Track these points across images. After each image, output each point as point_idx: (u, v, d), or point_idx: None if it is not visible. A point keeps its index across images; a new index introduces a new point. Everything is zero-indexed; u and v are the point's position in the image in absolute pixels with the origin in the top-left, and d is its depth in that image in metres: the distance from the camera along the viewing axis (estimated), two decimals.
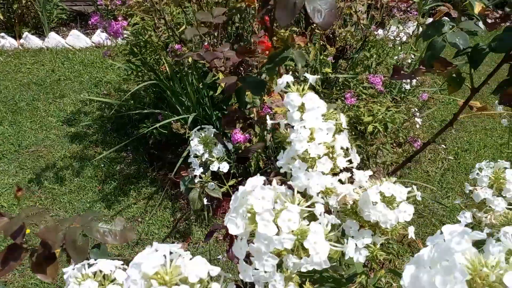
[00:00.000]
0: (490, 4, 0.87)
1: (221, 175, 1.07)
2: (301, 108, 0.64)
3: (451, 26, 0.84)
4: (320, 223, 0.48)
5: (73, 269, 0.61)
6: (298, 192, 0.58)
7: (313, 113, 0.62)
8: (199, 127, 1.05)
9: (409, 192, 0.62)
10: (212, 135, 1.04)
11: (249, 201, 0.45)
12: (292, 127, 0.66)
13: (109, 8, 2.22)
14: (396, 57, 2.31)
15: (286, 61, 0.86)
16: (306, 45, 1.81)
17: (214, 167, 1.00)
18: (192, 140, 1.03)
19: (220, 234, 2.29)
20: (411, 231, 0.63)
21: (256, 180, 0.46)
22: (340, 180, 0.65)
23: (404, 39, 2.23)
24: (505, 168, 0.83)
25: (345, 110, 2.17)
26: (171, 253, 0.45)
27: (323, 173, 0.60)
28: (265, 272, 0.47)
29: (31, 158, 2.77)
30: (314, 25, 2.17)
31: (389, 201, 0.60)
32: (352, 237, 0.61)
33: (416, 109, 2.33)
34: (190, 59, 1.90)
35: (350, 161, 0.67)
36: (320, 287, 0.64)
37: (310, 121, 0.60)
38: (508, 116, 1.29)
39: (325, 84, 2.52)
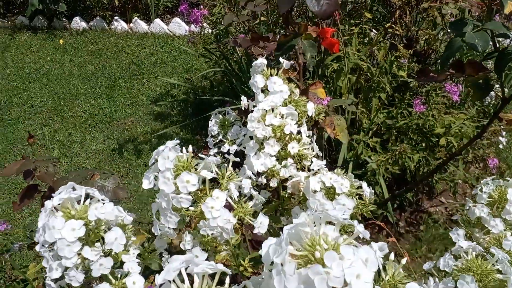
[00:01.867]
0: None
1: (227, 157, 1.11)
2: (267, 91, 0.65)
3: (474, 26, 0.78)
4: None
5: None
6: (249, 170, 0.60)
7: (274, 96, 0.63)
8: (219, 109, 1.10)
9: (357, 188, 0.60)
10: (231, 119, 1.09)
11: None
12: None
13: None
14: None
15: (293, 49, 0.87)
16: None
17: (224, 148, 1.05)
18: (211, 120, 1.08)
19: None
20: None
21: (168, 143, 0.50)
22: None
23: None
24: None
25: (414, 118, 2.06)
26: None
27: (271, 156, 0.61)
28: (169, 228, 0.50)
29: (118, 130, 3.09)
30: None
31: (330, 192, 0.59)
32: None
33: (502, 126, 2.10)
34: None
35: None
36: None
37: (264, 103, 0.62)
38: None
39: (403, 88, 2.40)
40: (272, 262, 0.33)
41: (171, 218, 0.49)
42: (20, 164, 0.83)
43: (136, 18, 4.26)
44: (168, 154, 0.48)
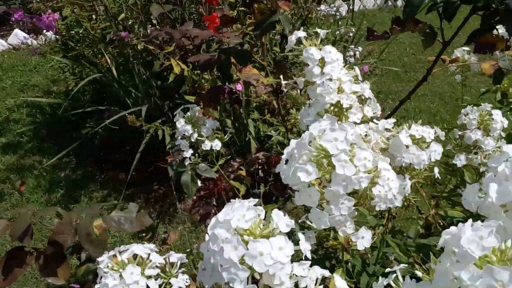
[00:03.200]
0: None
1: (211, 155, 1.04)
2: (321, 63, 0.63)
3: None
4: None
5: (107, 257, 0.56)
6: None
7: (336, 65, 0.61)
8: (182, 107, 1.00)
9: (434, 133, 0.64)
10: (197, 114, 1.00)
11: (321, 144, 0.44)
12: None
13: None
14: (338, 32, 2.38)
15: (274, 26, 0.85)
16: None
17: (206, 146, 0.96)
18: (178, 121, 0.98)
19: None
20: (436, 171, 0.65)
21: (324, 124, 0.45)
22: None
23: (344, 13, 2.31)
24: (488, 110, 0.89)
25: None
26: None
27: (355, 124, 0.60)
28: (341, 215, 0.46)
29: None
30: None
31: (417, 143, 0.61)
32: None
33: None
34: (139, 46, 1.80)
35: None
36: None
37: (336, 72, 0.60)
38: (461, 72, 1.39)
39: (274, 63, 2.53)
40: None
41: (344, 203, 0.45)
42: (5, 225, 0.62)
43: None
44: (334, 135, 0.43)
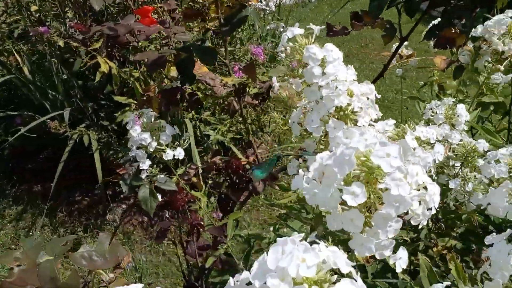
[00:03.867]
0: None
1: (169, 165, 0.93)
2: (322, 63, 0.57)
3: None
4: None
5: None
6: None
7: (337, 64, 0.56)
8: (136, 112, 0.88)
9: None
10: (153, 119, 0.89)
11: (366, 161, 0.38)
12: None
13: None
14: (268, 27, 2.35)
15: (244, 21, 0.77)
16: None
17: (168, 155, 0.85)
18: (132, 129, 0.85)
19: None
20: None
21: (369, 137, 0.39)
22: None
23: (273, 8, 2.29)
24: (451, 104, 0.91)
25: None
26: None
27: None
28: (387, 239, 0.40)
29: None
30: None
31: (419, 144, 0.59)
32: None
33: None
34: (61, 43, 1.59)
35: None
36: None
37: (342, 72, 0.54)
38: (401, 66, 1.44)
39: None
40: None
41: (392, 226, 0.39)
42: None
43: None
44: (387, 150, 0.37)
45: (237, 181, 1.10)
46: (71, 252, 0.56)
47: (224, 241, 1.05)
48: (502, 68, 0.98)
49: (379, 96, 0.57)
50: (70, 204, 2.27)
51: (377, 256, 0.44)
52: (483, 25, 1.04)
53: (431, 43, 1.44)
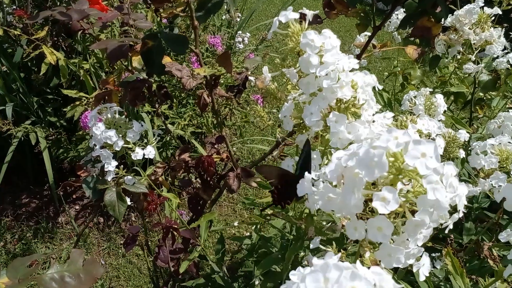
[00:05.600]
0: None
1: (137, 165, 0.84)
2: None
3: None
4: None
5: None
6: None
7: (335, 52, 0.51)
8: (97, 108, 0.79)
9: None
10: (117, 115, 0.80)
11: (397, 162, 0.34)
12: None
13: None
14: (224, 16, 2.27)
15: (220, 6, 0.70)
16: None
17: (137, 155, 0.77)
18: (95, 126, 0.76)
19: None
20: None
21: (400, 135, 0.34)
22: None
23: None
24: (429, 95, 0.90)
25: None
26: None
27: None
28: (416, 247, 0.36)
29: None
30: None
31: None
32: None
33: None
34: (1, 32, 1.42)
35: None
36: None
37: (344, 61, 0.49)
38: (367, 58, 1.43)
39: None
40: None
41: (422, 233, 0.35)
42: None
43: None
44: (422, 149, 0.33)
45: (208, 179, 1.04)
46: (37, 273, 0.48)
47: (197, 243, 0.99)
48: (473, 58, 0.98)
49: (381, 87, 0.53)
50: (17, 207, 2.09)
51: (401, 266, 0.40)
52: (452, 15, 1.04)
53: (395, 33, 1.44)
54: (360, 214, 0.39)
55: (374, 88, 0.53)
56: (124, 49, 0.87)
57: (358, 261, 0.31)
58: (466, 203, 0.38)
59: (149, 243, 1.29)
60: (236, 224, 1.73)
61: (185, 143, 1.99)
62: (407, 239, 0.36)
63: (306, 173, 0.43)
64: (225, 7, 2.40)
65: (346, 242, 0.69)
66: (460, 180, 0.91)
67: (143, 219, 0.98)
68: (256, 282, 0.92)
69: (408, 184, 0.36)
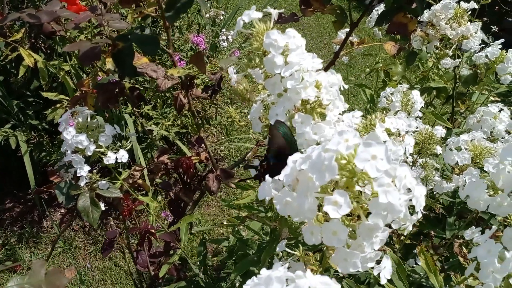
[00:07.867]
0: None
1: (110, 169, 0.83)
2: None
3: None
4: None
5: None
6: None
7: (300, 52, 0.50)
8: (68, 112, 0.77)
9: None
10: (89, 119, 0.78)
11: (349, 165, 0.33)
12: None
13: None
14: (207, 15, 2.25)
15: (190, 6, 0.69)
16: None
17: (109, 159, 0.76)
18: (65, 131, 0.75)
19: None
20: None
21: (350, 137, 0.33)
22: None
23: None
24: (405, 91, 0.89)
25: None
26: None
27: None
28: (373, 251, 0.36)
29: None
30: None
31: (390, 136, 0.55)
32: None
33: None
34: None
35: None
36: None
37: (308, 61, 0.48)
38: (348, 55, 1.42)
39: None
40: None
41: (378, 236, 0.35)
42: None
43: None
44: (373, 151, 0.32)
45: (188, 180, 1.03)
46: None
47: (177, 246, 0.98)
48: (450, 53, 0.98)
49: (346, 87, 0.52)
50: (1, 212, 2.07)
51: (360, 270, 0.39)
52: (429, 10, 1.04)
53: (376, 29, 1.44)
54: (323, 218, 0.38)
55: (343, 87, 0.52)
56: (97, 51, 0.85)
57: (308, 270, 0.30)
58: (424, 204, 0.38)
59: (132, 246, 1.27)
60: (225, 223, 1.72)
61: (169, 144, 1.97)
62: (363, 243, 0.35)
63: (267, 176, 0.43)
64: (209, 6, 2.39)
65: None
66: (443, 177, 0.90)
67: (124, 223, 0.97)
68: (237, 284, 0.91)
69: (364, 187, 0.36)
